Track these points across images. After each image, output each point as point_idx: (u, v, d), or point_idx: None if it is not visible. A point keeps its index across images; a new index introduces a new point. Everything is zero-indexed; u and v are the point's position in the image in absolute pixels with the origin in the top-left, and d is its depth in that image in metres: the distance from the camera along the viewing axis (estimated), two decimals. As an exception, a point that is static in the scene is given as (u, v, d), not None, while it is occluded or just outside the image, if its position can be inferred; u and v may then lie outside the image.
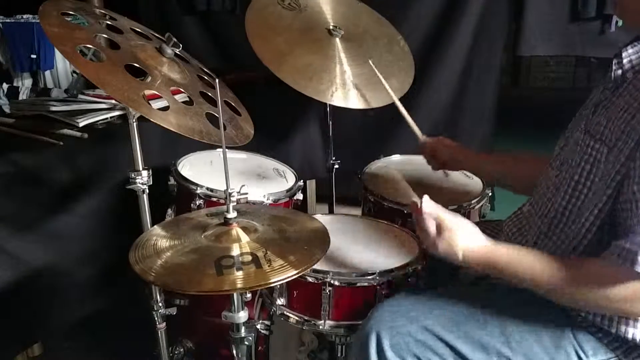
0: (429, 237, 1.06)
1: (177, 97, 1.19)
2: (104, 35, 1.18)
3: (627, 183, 0.88)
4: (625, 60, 0.94)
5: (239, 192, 1.39)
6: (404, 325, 1.05)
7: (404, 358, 1.04)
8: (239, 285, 0.91)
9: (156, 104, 1.12)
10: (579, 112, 1.11)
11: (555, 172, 1.08)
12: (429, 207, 1.06)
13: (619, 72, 0.95)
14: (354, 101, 1.59)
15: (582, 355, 0.99)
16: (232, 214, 1.03)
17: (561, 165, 1.06)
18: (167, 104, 1.14)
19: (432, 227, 1.05)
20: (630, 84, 0.93)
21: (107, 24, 1.22)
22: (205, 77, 1.38)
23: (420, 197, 1.08)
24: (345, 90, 1.59)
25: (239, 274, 0.92)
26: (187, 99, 1.23)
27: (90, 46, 1.09)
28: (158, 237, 1.05)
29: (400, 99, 1.68)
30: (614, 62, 0.96)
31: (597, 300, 0.92)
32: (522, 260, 1.00)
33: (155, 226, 1.13)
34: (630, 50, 0.94)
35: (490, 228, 1.36)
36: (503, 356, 1.01)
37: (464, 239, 1.03)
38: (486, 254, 1.02)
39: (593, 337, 1.00)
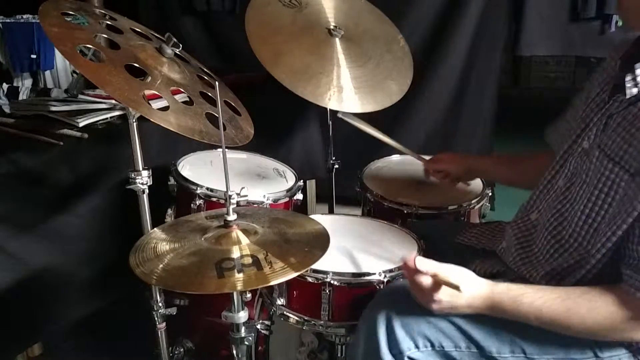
0: (425, 294, 1.00)
1: (177, 97, 1.19)
2: (104, 35, 1.18)
3: None
4: None
5: (238, 194, 1.39)
6: (415, 306, 1.04)
7: (414, 339, 1.02)
8: (240, 288, 0.91)
9: (156, 104, 1.12)
10: (581, 109, 1.08)
11: (564, 182, 1.05)
12: (423, 264, 1.00)
13: (635, 90, 0.92)
14: (351, 105, 1.58)
15: (597, 349, 0.98)
16: (232, 217, 1.03)
17: (572, 177, 1.03)
18: (167, 104, 1.14)
19: (426, 282, 0.99)
20: None
21: (107, 24, 1.22)
22: (205, 77, 1.38)
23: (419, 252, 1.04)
24: (343, 94, 1.58)
25: (240, 276, 0.92)
26: (187, 99, 1.23)
27: (90, 46, 1.09)
28: (158, 240, 1.05)
29: (401, 100, 1.68)
30: (627, 78, 0.93)
31: (618, 332, 0.92)
32: (525, 297, 0.96)
33: (155, 229, 1.13)
34: None
35: (490, 229, 1.36)
36: (517, 345, 1.00)
37: (466, 288, 0.97)
38: (489, 297, 0.98)
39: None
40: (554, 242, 1.04)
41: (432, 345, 1.03)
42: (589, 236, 0.97)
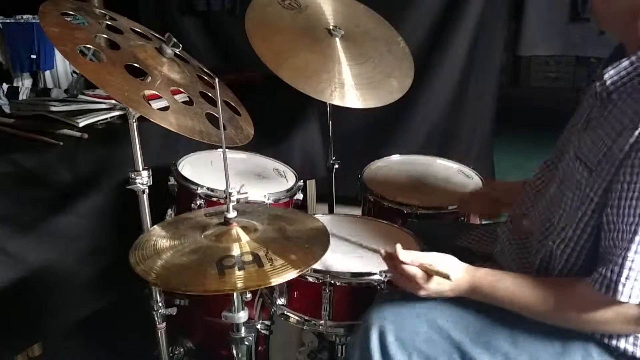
0: (416, 283, 1.03)
1: (177, 97, 1.19)
2: (104, 35, 1.18)
3: (606, 207, 0.90)
4: (608, 82, 0.94)
5: (238, 191, 1.39)
6: (410, 320, 1.05)
7: (409, 353, 1.03)
8: (242, 285, 0.91)
9: (156, 104, 1.12)
10: (572, 121, 1.11)
11: (555, 189, 1.07)
12: (406, 256, 1.03)
13: (604, 94, 0.95)
14: (352, 101, 1.59)
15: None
16: (232, 214, 1.03)
17: (561, 184, 1.06)
18: (167, 104, 1.14)
19: (418, 273, 1.02)
20: (616, 106, 0.94)
21: (107, 24, 1.22)
22: (205, 77, 1.38)
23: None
24: (344, 89, 1.58)
25: (241, 273, 0.91)
26: (187, 99, 1.23)
27: (90, 46, 1.09)
28: (158, 237, 1.05)
29: (401, 100, 1.68)
30: (597, 84, 0.96)
31: (579, 323, 0.95)
32: (501, 283, 1.00)
33: (154, 226, 1.12)
34: (612, 72, 0.94)
35: (490, 232, 1.36)
36: (510, 357, 1.00)
37: (453, 275, 1.01)
38: (471, 279, 1.02)
39: (600, 345, 0.99)
40: (539, 245, 1.06)
41: (426, 358, 1.03)
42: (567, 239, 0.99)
